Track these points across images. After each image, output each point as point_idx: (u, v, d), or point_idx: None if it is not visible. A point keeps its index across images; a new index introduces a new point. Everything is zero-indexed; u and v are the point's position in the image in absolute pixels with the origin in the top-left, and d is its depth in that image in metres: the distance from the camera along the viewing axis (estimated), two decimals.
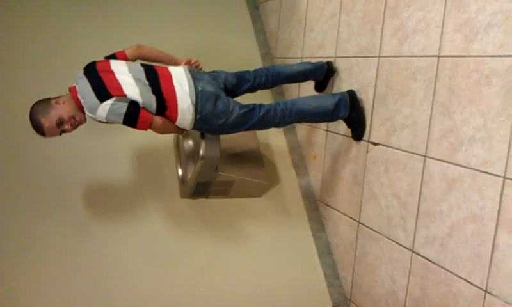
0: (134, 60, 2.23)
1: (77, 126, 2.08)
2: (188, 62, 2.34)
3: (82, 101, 2.00)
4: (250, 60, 3.33)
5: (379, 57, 2.28)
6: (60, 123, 2.01)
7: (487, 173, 1.72)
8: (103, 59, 2.17)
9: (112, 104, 1.96)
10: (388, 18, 2.22)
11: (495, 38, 1.69)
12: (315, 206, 2.85)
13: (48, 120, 1.98)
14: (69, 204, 2.41)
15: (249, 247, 2.59)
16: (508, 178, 1.64)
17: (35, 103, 2.03)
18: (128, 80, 2.03)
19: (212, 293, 2.38)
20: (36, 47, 2.80)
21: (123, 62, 2.14)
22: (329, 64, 2.61)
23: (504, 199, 1.66)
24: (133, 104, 2.00)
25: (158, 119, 2.07)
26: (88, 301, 2.19)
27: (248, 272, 2.50)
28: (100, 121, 2.04)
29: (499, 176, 1.67)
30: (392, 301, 2.21)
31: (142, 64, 2.16)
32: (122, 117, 1.99)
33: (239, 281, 2.46)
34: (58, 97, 2.05)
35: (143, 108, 2.03)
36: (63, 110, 2.01)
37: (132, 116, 2.00)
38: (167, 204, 2.58)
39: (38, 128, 2.00)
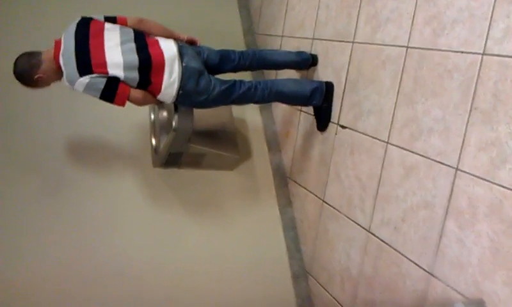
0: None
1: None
2: (189, 40, 2.31)
3: (63, 67, 2.00)
4: (232, 34, 3.34)
5: (353, 42, 2.33)
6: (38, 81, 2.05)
7: (441, 163, 1.81)
8: (103, 18, 2.13)
9: (91, 78, 1.95)
10: (364, 5, 2.26)
11: (459, 33, 1.75)
12: (284, 183, 2.93)
13: (29, 77, 2.04)
14: (41, 170, 2.44)
15: (216, 218, 2.67)
16: (460, 170, 1.73)
17: (22, 56, 2.05)
18: (116, 54, 2.00)
19: (173, 260, 2.45)
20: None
21: (118, 27, 2.10)
22: (314, 57, 2.61)
23: (455, 189, 1.75)
24: (112, 80, 1.98)
25: (137, 93, 2.05)
26: (58, 264, 2.25)
27: (212, 242, 2.58)
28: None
29: (452, 167, 1.76)
30: (346, 276, 2.32)
31: (135, 35, 2.12)
32: (100, 92, 1.98)
33: (202, 249, 2.54)
34: (40, 60, 2.04)
35: (123, 82, 2.00)
36: (42, 71, 2.04)
37: (110, 91, 1.98)
38: (139, 172, 2.62)
39: (20, 80, 2.05)
